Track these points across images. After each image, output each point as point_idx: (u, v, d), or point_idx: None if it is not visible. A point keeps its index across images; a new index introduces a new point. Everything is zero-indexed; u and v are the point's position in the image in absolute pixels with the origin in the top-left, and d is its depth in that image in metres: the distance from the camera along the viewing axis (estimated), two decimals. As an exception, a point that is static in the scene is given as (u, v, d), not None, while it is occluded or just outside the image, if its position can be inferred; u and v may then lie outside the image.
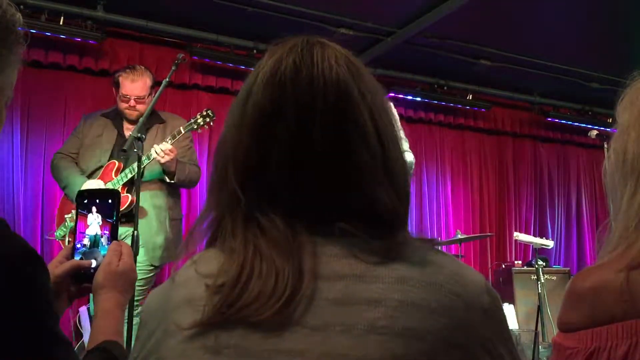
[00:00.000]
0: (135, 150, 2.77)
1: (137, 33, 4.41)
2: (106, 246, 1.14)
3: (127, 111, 3.28)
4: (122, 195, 3.05)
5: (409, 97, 5.41)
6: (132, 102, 3.26)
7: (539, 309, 3.89)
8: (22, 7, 3.79)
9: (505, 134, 6.12)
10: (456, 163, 5.86)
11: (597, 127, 5.50)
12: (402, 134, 3.35)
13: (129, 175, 3.09)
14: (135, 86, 3.26)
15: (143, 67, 3.38)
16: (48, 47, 4.18)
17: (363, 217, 0.70)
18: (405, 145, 3.29)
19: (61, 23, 4.07)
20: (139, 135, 2.77)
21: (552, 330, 3.94)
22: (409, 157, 3.20)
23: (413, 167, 3.31)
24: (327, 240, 0.69)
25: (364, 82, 0.73)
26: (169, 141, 3.07)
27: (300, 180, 0.70)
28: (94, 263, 1.13)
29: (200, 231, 0.75)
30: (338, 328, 0.63)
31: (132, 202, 3.02)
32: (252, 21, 4.28)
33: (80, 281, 1.14)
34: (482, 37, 4.72)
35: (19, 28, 0.88)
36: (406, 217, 0.76)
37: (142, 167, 2.86)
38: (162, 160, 3.04)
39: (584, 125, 6.06)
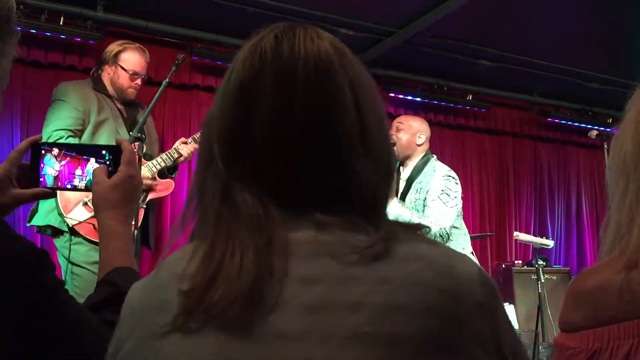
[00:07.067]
0: (136, 150, 2.76)
1: (137, 33, 4.41)
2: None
3: (130, 90, 3.05)
4: (165, 180, 3.17)
5: (409, 97, 5.41)
6: (139, 81, 3.06)
7: (539, 309, 3.90)
8: (22, 7, 3.77)
9: (505, 134, 6.12)
10: (456, 163, 5.85)
11: (597, 127, 5.49)
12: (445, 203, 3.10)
13: (162, 164, 3.08)
14: (145, 64, 3.08)
15: None
16: (48, 47, 4.17)
17: (343, 197, 0.68)
18: (446, 219, 3.10)
19: (61, 23, 4.06)
20: (139, 135, 2.74)
21: (552, 330, 3.95)
22: (446, 222, 3.08)
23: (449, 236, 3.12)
24: (302, 236, 0.66)
25: (347, 58, 0.73)
26: (191, 142, 3.12)
27: (282, 151, 0.68)
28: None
29: (189, 213, 0.73)
30: (318, 336, 0.60)
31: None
32: (252, 21, 4.27)
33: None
34: (482, 37, 4.72)
35: (13, 12, 0.86)
36: (387, 197, 0.74)
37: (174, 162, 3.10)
38: (182, 160, 3.14)
39: (583, 125, 6.05)
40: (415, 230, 0.70)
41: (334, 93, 0.69)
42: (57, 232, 2.85)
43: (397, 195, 3.25)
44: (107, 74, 3.07)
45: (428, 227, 0.70)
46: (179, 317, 0.63)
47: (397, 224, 0.70)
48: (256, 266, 0.63)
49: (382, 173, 0.72)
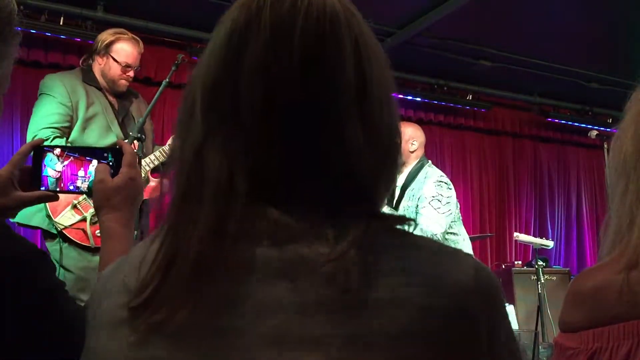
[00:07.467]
0: (136, 150, 2.75)
1: (137, 33, 4.40)
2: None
3: (122, 82, 2.93)
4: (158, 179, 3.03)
5: (409, 97, 5.41)
6: (131, 73, 2.95)
7: (539, 309, 3.89)
8: (22, 7, 3.77)
9: (505, 134, 6.13)
10: (456, 163, 5.86)
11: (597, 127, 5.50)
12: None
13: (156, 162, 2.94)
14: (138, 55, 2.98)
15: None
16: (48, 47, 4.18)
17: (325, 171, 0.59)
18: (437, 226, 3.08)
19: (61, 23, 4.07)
20: (139, 135, 2.73)
21: (552, 330, 3.94)
22: (437, 228, 3.07)
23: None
24: (260, 252, 0.56)
25: (355, 16, 0.67)
26: None
27: (265, 104, 0.59)
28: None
29: (166, 183, 0.65)
30: None
31: None
32: (252, 21, 4.28)
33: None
34: (482, 37, 4.72)
35: (15, 13, 0.86)
36: (387, 182, 0.65)
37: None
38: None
39: (583, 125, 6.07)
40: (400, 225, 0.60)
41: (334, 49, 0.61)
42: (47, 235, 2.76)
43: (392, 203, 3.23)
44: (97, 65, 2.93)
45: (414, 220, 0.61)
46: (130, 339, 0.56)
47: (378, 219, 0.60)
48: (202, 287, 0.55)
49: (381, 149, 0.63)
